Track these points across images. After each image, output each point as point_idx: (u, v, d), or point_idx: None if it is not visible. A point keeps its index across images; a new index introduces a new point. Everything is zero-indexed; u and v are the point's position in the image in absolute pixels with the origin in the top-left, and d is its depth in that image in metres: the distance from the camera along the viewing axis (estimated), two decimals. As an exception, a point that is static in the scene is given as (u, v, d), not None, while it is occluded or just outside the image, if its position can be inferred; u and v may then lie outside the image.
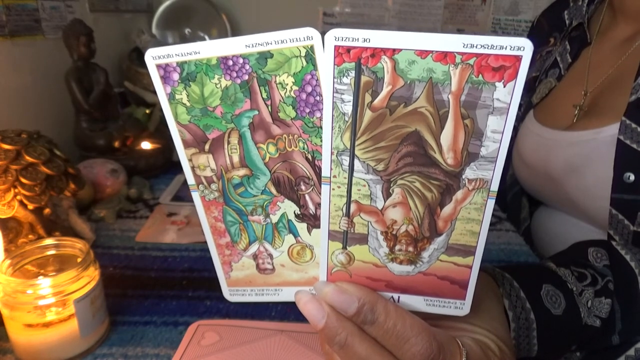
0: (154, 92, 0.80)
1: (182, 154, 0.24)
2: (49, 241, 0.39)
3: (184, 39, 1.12)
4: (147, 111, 0.85)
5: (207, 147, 0.24)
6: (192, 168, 0.25)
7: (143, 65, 0.92)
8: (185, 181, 0.71)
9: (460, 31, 1.17)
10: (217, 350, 0.37)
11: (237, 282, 0.27)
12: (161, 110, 0.76)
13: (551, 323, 0.31)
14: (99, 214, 0.58)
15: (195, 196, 0.25)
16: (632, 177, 0.41)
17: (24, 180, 0.44)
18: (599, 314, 0.32)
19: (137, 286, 0.46)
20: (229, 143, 0.24)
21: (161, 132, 0.80)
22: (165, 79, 0.23)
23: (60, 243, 0.39)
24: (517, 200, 0.63)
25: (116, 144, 0.71)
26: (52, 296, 0.34)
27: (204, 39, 1.12)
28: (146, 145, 0.74)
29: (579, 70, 0.53)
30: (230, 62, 0.22)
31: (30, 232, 0.47)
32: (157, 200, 0.65)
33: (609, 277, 0.34)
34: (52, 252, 0.39)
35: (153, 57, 0.22)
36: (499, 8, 1.16)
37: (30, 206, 0.45)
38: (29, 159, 0.44)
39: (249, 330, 0.40)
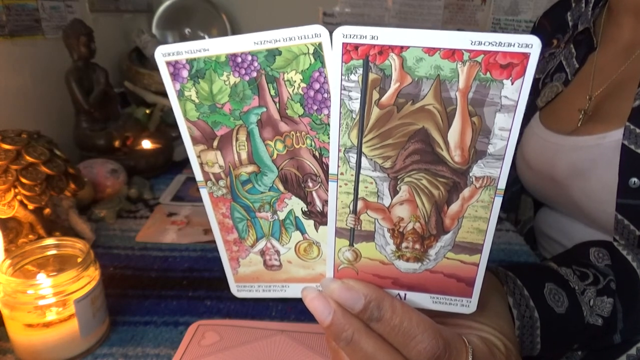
0: (154, 92, 0.80)
1: (191, 150, 0.24)
2: (49, 241, 0.39)
3: (184, 39, 1.12)
4: (147, 111, 0.84)
5: (215, 143, 0.24)
6: (201, 164, 0.25)
7: (143, 65, 0.93)
8: (185, 181, 0.71)
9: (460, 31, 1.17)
10: (218, 350, 0.37)
11: (244, 278, 0.27)
12: (161, 110, 0.76)
13: (554, 321, 0.31)
14: (99, 214, 0.58)
15: (204, 192, 0.25)
16: (638, 182, 0.41)
17: (24, 180, 0.43)
18: (601, 312, 0.33)
19: (137, 286, 0.46)
20: (237, 140, 0.24)
21: (161, 132, 0.80)
22: (174, 75, 0.23)
23: (60, 243, 0.39)
24: (515, 199, 0.63)
25: (116, 144, 0.70)
26: (52, 296, 0.34)
27: (204, 39, 1.13)
28: (146, 145, 0.73)
29: (584, 75, 0.53)
30: (239, 59, 0.22)
31: (31, 232, 0.46)
32: (157, 200, 0.65)
33: (611, 276, 0.34)
34: (52, 252, 0.39)
35: (163, 54, 0.22)
36: (499, 8, 1.17)
37: (31, 206, 0.45)
38: (29, 159, 0.44)
39: (250, 330, 0.40)
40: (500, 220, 0.62)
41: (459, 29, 1.23)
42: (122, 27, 1.00)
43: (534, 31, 0.68)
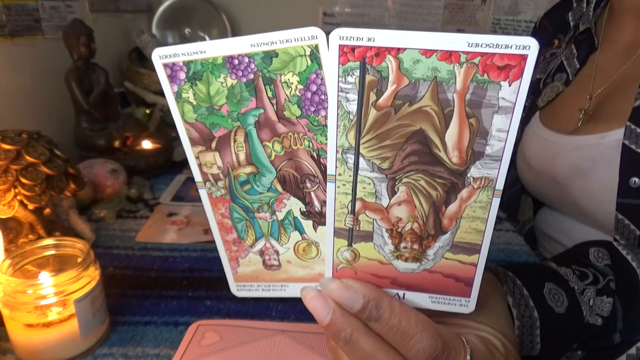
0: (154, 92, 0.80)
1: (189, 151, 0.24)
2: (49, 241, 0.39)
3: (184, 39, 1.12)
4: (147, 111, 0.85)
5: (213, 145, 0.24)
6: (199, 166, 0.25)
7: (143, 65, 0.93)
8: (185, 181, 0.71)
9: (460, 31, 1.17)
10: (218, 350, 0.37)
11: (244, 278, 0.27)
12: (161, 110, 0.76)
13: (554, 321, 0.31)
14: (99, 214, 0.58)
15: (203, 193, 0.25)
16: (638, 182, 0.41)
17: (24, 180, 0.44)
18: (601, 312, 0.33)
19: (137, 286, 0.46)
20: (235, 141, 0.24)
21: (161, 132, 0.80)
22: (172, 77, 0.23)
23: (60, 243, 0.39)
24: (515, 200, 0.63)
25: (116, 144, 0.71)
26: (52, 296, 0.34)
27: (204, 39, 1.13)
28: (146, 145, 0.74)
29: (585, 75, 0.53)
30: (236, 61, 0.22)
31: (31, 232, 0.46)
32: (157, 200, 0.65)
33: (611, 276, 0.34)
34: (52, 252, 0.39)
35: (160, 56, 0.22)
36: (499, 8, 1.17)
37: (31, 206, 0.45)
38: (29, 159, 0.44)
39: (250, 330, 0.40)
40: (500, 220, 0.62)
41: (459, 29, 1.23)
42: (122, 27, 1.00)
43: (535, 31, 0.68)
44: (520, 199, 0.63)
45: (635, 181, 0.41)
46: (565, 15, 0.60)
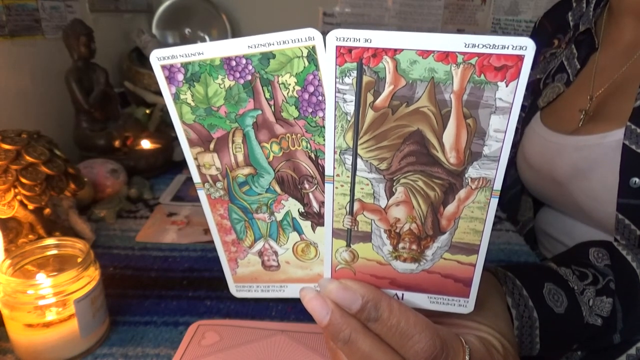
0: (154, 92, 0.80)
1: (188, 153, 0.25)
2: (49, 241, 0.39)
3: (184, 39, 1.12)
4: (147, 111, 0.85)
5: (212, 146, 0.24)
6: (198, 167, 0.25)
7: (143, 65, 0.93)
8: (185, 181, 0.71)
9: (460, 31, 1.17)
10: (218, 350, 0.37)
11: (243, 279, 0.27)
12: (161, 110, 0.76)
13: (553, 321, 0.31)
14: (99, 214, 0.58)
15: (201, 194, 0.25)
16: (638, 182, 0.41)
17: (24, 180, 0.44)
18: (601, 312, 0.33)
19: (137, 286, 0.46)
20: (233, 142, 0.24)
21: (161, 132, 0.80)
22: (170, 79, 0.23)
23: (60, 243, 0.39)
24: (515, 200, 0.63)
25: (116, 144, 0.71)
26: (52, 296, 0.34)
27: (204, 39, 1.13)
28: (146, 145, 0.74)
29: (585, 75, 0.53)
30: (234, 63, 0.22)
31: (31, 232, 0.47)
32: (157, 200, 0.65)
33: (610, 276, 0.34)
34: (52, 252, 0.39)
35: (158, 57, 0.22)
36: (499, 8, 1.17)
37: (31, 206, 0.45)
38: (29, 159, 0.44)
39: (250, 330, 0.40)
40: (500, 220, 0.62)
41: (459, 29, 1.23)
42: (122, 27, 1.00)
43: (534, 31, 0.68)
44: (521, 199, 0.63)
45: (635, 181, 0.41)
46: (565, 15, 0.60)
